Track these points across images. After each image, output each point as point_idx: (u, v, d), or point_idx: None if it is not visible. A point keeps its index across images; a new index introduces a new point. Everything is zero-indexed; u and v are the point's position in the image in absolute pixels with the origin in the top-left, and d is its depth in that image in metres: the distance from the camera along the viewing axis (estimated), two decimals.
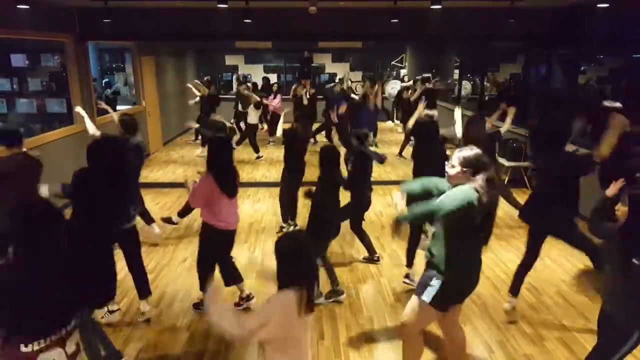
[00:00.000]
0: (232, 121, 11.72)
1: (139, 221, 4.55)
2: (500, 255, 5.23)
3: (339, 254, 5.34)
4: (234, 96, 12.20)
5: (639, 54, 7.95)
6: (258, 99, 9.96)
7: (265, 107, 11.02)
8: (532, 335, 3.88)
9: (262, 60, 16.46)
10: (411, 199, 3.06)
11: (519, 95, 10.63)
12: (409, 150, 8.80)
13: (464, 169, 2.73)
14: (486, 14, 7.51)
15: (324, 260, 4.40)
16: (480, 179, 2.69)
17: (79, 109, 5.57)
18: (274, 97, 11.21)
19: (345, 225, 4.89)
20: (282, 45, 15.10)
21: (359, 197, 4.88)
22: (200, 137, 10.91)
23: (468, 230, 2.77)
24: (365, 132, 5.03)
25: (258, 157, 9.99)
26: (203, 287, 4.14)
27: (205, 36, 8.82)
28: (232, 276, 4.22)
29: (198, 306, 4.23)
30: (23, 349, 2.01)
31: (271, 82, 12.74)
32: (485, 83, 12.22)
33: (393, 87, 14.14)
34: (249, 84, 11.88)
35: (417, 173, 4.54)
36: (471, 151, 2.76)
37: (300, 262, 2.20)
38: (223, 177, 3.78)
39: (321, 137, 11.08)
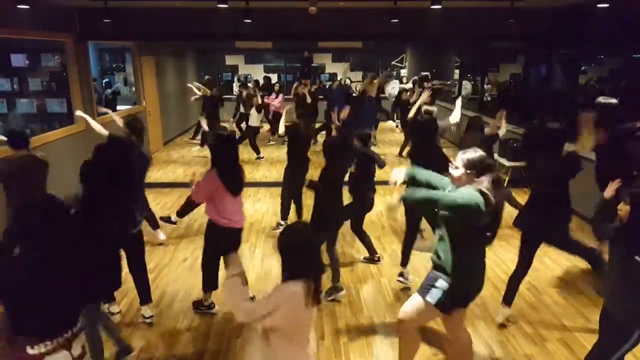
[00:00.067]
0: (231, 120, 11.74)
1: (144, 225, 4.54)
2: (500, 255, 5.23)
3: (339, 254, 5.32)
4: (234, 96, 12.21)
5: (639, 54, 7.95)
6: (260, 101, 9.95)
7: (266, 107, 11.03)
8: (533, 335, 3.88)
9: (262, 60, 16.45)
10: (412, 183, 3.04)
11: (519, 95, 10.64)
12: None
13: (468, 171, 2.73)
14: (486, 14, 7.51)
15: (331, 254, 4.38)
16: (485, 181, 2.68)
17: (79, 113, 5.55)
18: (276, 97, 11.21)
19: (346, 225, 4.89)
20: (282, 45, 15.09)
21: (361, 198, 4.88)
22: (201, 136, 10.92)
23: (473, 233, 2.77)
24: (367, 132, 5.04)
25: (258, 157, 10.00)
26: (205, 286, 4.15)
27: (205, 36, 8.82)
28: None
29: (198, 306, 4.22)
30: (29, 350, 2.01)
31: (272, 81, 12.75)
32: (486, 85, 12.21)
33: (393, 87, 14.14)
34: (250, 85, 11.87)
35: None
36: (475, 153, 2.75)
37: (305, 254, 2.18)
38: (227, 174, 3.77)
39: (322, 137, 11.08)
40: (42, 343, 2.02)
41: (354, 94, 10.52)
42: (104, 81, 11.16)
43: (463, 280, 2.83)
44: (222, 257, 4.10)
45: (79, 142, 7.16)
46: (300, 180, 5.86)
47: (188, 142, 11.87)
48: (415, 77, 11.49)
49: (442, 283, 2.81)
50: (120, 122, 5.08)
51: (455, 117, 5.50)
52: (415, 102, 6.49)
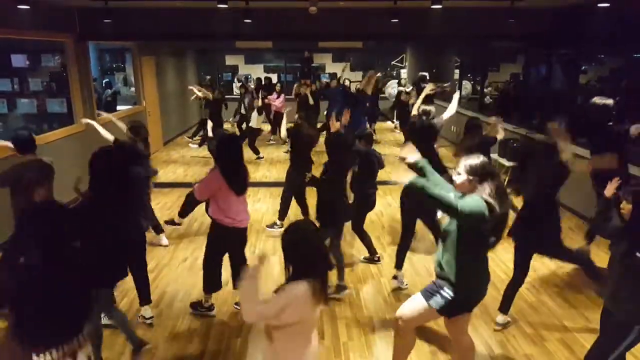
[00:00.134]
0: (231, 120, 11.73)
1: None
2: (500, 255, 5.22)
3: None
4: (233, 96, 12.20)
5: (639, 54, 7.95)
6: (261, 103, 9.95)
7: (268, 107, 11.03)
8: (533, 336, 3.88)
9: (262, 60, 16.45)
10: (419, 173, 2.97)
11: (519, 95, 10.63)
12: None
13: (470, 177, 2.73)
14: (486, 14, 7.51)
15: (336, 252, 4.36)
16: (487, 187, 2.68)
17: (86, 120, 5.49)
18: (277, 97, 11.22)
19: (346, 225, 4.88)
20: (282, 45, 15.08)
21: (364, 197, 4.88)
22: (202, 135, 10.92)
23: (477, 241, 2.77)
24: (369, 132, 5.05)
25: (258, 158, 10.00)
26: (207, 287, 4.11)
27: (205, 36, 8.81)
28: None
29: (196, 307, 4.18)
30: (35, 359, 2.01)
31: (273, 81, 12.74)
32: (486, 88, 12.17)
33: (393, 87, 14.14)
34: (251, 85, 11.86)
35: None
36: (477, 159, 2.75)
37: (308, 252, 2.16)
38: (231, 174, 3.75)
39: (322, 137, 11.06)
40: (48, 351, 2.02)
41: (351, 94, 10.52)
42: (104, 81, 11.16)
43: (467, 289, 2.84)
44: (230, 257, 4.09)
45: (79, 142, 7.16)
46: (302, 181, 5.84)
47: (187, 141, 11.87)
48: (415, 81, 11.47)
49: (446, 291, 2.82)
50: (123, 126, 5.07)
51: (450, 111, 5.50)
52: (415, 103, 6.48)
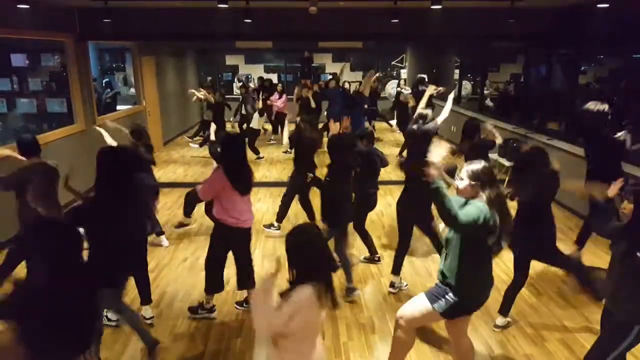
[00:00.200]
0: (231, 119, 11.73)
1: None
2: (500, 255, 5.21)
3: None
4: (233, 96, 12.19)
5: (639, 54, 7.95)
6: (261, 105, 9.93)
7: (269, 108, 11.02)
8: (533, 336, 3.88)
9: (262, 60, 16.45)
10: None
11: (519, 95, 10.63)
12: None
13: (472, 183, 2.74)
14: (486, 14, 7.51)
15: (341, 253, 4.33)
16: (489, 192, 2.70)
17: (98, 128, 5.46)
18: (279, 97, 11.21)
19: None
20: (282, 45, 15.08)
21: (364, 197, 4.88)
22: (203, 136, 10.91)
23: (479, 249, 2.79)
24: (371, 131, 5.04)
25: (258, 158, 10.00)
26: (208, 288, 4.09)
27: (205, 36, 8.81)
28: (245, 284, 4.11)
29: (196, 310, 4.15)
30: None
31: (274, 82, 12.73)
32: (486, 90, 12.16)
33: (393, 87, 14.13)
34: (252, 85, 11.86)
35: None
36: (479, 164, 2.76)
37: (312, 256, 2.14)
38: (235, 174, 3.73)
39: (324, 138, 11.07)
40: None
41: (350, 95, 10.53)
42: (104, 81, 11.16)
43: (471, 295, 2.88)
44: (235, 257, 4.07)
45: (79, 142, 7.16)
46: (305, 182, 5.83)
47: (187, 141, 11.87)
48: (414, 83, 11.45)
49: (450, 296, 2.84)
50: (125, 130, 5.06)
51: (444, 114, 5.51)
52: (415, 106, 6.48)
